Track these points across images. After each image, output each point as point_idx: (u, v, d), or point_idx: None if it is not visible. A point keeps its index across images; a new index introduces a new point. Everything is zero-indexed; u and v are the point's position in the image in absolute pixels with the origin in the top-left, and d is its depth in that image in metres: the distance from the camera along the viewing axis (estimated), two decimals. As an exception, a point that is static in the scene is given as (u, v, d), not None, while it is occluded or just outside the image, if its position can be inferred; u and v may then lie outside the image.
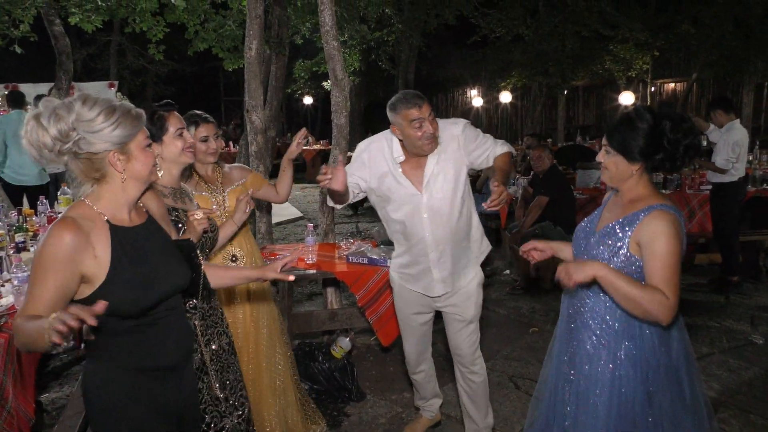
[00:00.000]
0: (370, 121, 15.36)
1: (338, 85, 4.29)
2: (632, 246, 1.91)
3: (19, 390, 2.42)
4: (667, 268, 1.82)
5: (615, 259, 1.92)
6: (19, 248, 3.62)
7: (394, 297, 3.05)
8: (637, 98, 13.93)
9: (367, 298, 3.75)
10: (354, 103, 12.20)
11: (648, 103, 13.79)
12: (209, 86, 21.15)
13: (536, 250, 2.27)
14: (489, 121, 19.14)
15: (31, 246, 3.70)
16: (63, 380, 3.95)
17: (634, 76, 13.91)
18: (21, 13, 6.24)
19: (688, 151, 1.90)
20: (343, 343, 3.91)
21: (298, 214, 9.92)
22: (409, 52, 15.40)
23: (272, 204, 4.73)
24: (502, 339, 4.59)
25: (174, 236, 1.92)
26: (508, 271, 6.26)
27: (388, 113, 2.64)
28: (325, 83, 13.07)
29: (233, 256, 2.84)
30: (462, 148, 2.73)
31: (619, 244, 1.93)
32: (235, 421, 2.33)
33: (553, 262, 6.32)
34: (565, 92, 15.20)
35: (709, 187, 5.82)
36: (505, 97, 15.66)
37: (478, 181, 7.08)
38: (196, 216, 2.15)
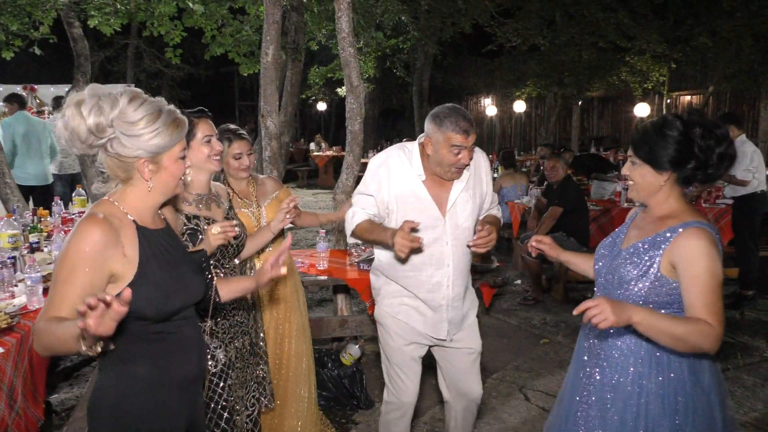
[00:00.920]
0: (383, 127, 15.38)
1: (353, 91, 4.30)
2: (664, 266, 1.75)
3: (29, 390, 2.42)
4: (711, 293, 1.69)
5: (644, 278, 1.78)
6: (33, 248, 3.64)
7: (381, 336, 2.65)
8: (652, 110, 13.84)
9: (377, 305, 3.71)
10: (368, 110, 12.22)
11: (664, 115, 13.68)
12: (224, 90, 21.30)
13: (543, 244, 2.14)
14: (503, 131, 19.11)
15: (45, 246, 3.72)
16: (73, 381, 3.96)
17: (650, 88, 13.83)
18: (41, 15, 6.31)
19: (722, 160, 1.75)
20: (353, 351, 3.89)
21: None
22: (425, 60, 15.46)
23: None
24: (512, 350, 4.54)
25: (190, 247, 1.89)
26: (519, 282, 6.24)
27: (429, 123, 2.38)
28: (339, 89, 13.10)
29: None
30: (486, 182, 2.58)
31: (648, 263, 1.78)
32: (245, 419, 2.41)
33: (565, 274, 6.19)
34: (580, 103, 15.14)
35: (727, 201, 5.77)
36: (519, 106, 15.61)
37: None
38: (212, 231, 2.15)
